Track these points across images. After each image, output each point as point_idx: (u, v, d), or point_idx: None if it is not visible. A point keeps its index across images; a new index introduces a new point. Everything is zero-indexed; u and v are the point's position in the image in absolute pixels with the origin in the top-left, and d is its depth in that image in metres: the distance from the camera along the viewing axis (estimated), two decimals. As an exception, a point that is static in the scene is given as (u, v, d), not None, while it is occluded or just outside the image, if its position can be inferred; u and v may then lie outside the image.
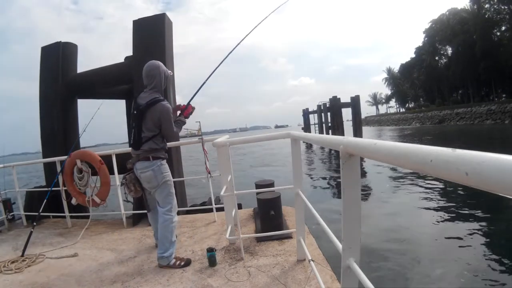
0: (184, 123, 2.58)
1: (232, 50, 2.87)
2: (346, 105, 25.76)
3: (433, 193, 8.00)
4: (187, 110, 2.61)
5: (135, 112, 2.38)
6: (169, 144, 2.65)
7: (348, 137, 0.96)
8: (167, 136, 2.43)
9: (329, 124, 27.13)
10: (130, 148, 2.52)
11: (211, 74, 2.82)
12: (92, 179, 3.65)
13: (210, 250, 2.33)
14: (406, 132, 36.07)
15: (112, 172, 3.63)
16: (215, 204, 3.54)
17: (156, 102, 2.32)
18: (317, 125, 32.07)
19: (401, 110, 73.30)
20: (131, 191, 2.48)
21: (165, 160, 2.46)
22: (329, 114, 27.26)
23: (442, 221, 5.86)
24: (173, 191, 2.51)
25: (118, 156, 3.69)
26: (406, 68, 62.65)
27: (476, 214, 6.00)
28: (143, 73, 2.43)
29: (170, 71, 2.60)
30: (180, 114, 2.60)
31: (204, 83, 2.84)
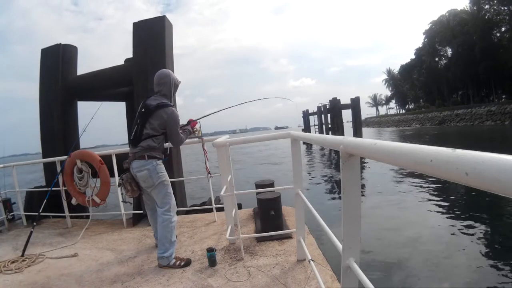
0: (191, 132, 2.78)
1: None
2: (346, 106, 25.79)
3: (433, 193, 8.01)
4: (194, 122, 2.84)
5: (143, 110, 2.44)
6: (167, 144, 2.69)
7: (348, 137, 0.96)
8: (173, 140, 2.52)
9: (329, 126, 27.15)
10: (129, 148, 2.55)
11: (215, 112, 3.39)
12: (92, 179, 3.66)
13: (210, 250, 2.34)
14: (406, 133, 36.09)
15: (112, 172, 3.63)
16: (215, 204, 3.54)
17: (166, 105, 2.42)
18: (317, 127, 32.06)
19: (401, 111, 73.29)
20: (128, 191, 2.49)
21: (161, 161, 2.48)
22: (329, 115, 27.29)
23: (442, 221, 5.86)
24: (171, 191, 2.52)
25: (118, 156, 3.69)
26: (406, 69, 62.65)
27: (476, 215, 6.00)
28: (155, 81, 2.55)
29: (179, 80, 2.69)
30: (187, 123, 2.78)
31: (210, 114, 3.35)
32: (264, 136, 2.59)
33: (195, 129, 2.85)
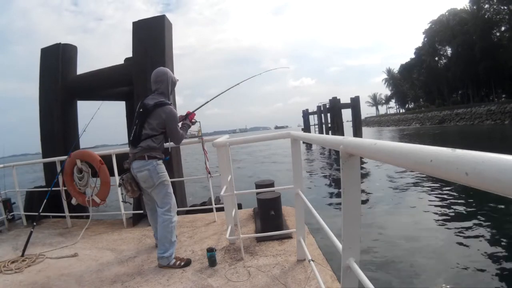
0: (190, 126, 2.74)
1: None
2: (346, 106, 25.74)
3: (433, 193, 8.01)
4: (192, 115, 2.78)
5: (141, 110, 2.44)
6: (169, 144, 2.70)
7: (348, 137, 0.96)
8: (173, 137, 2.51)
9: (329, 125, 27.14)
10: (129, 148, 2.55)
11: (212, 99, 3.23)
12: (92, 179, 3.66)
13: (210, 250, 2.34)
14: (406, 132, 36.10)
15: (112, 172, 3.63)
16: (215, 204, 3.54)
17: (164, 104, 2.41)
18: (317, 126, 32.04)
19: (401, 111, 73.28)
20: (128, 191, 2.49)
21: (161, 161, 2.48)
22: (329, 115, 27.26)
23: (442, 221, 5.86)
24: (171, 191, 2.52)
25: (118, 156, 3.69)
26: (406, 68, 62.58)
27: (476, 215, 6.00)
28: (152, 79, 2.54)
29: (177, 78, 2.68)
30: (185, 117, 2.73)
31: (207, 102, 3.19)
32: (264, 136, 2.59)
33: (193, 121, 2.80)
